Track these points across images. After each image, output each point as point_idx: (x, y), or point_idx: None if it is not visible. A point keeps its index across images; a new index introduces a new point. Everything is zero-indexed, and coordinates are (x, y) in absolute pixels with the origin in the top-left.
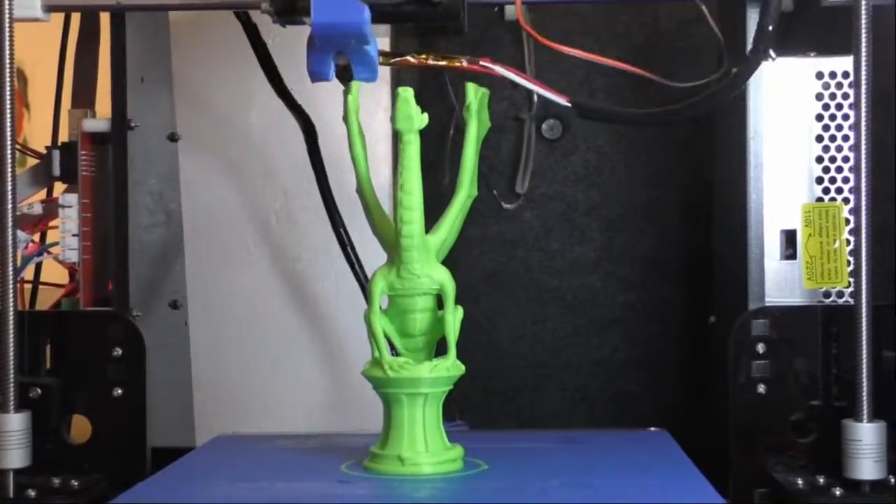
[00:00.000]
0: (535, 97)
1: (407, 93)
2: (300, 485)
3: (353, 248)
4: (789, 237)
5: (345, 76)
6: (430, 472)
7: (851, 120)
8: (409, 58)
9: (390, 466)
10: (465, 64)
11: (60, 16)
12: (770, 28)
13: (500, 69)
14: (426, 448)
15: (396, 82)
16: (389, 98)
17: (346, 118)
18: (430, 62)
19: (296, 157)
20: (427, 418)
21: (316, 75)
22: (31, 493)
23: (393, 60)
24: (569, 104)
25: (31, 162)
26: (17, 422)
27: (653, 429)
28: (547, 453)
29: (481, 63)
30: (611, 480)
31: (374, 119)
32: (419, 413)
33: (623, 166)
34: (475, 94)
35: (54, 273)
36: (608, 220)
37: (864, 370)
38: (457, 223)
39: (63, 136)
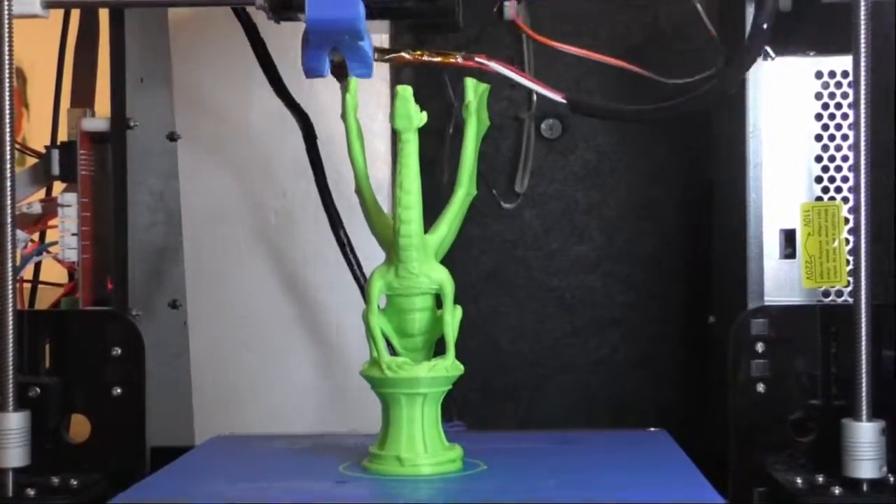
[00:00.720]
0: (535, 96)
1: (406, 91)
2: (298, 485)
3: (351, 248)
4: (788, 236)
5: (340, 72)
6: (428, 473)
7: (851, 119)
8: (403, 54)
9: (389, 467)
10: (460, 60)
11: (59, 15)
12: (765, 26)
13: (495, 65)
14: (425, 448)
15: (395, 81)
16: (388, 96)
17: (344, 117)
18: (426, 58)
19: (295, 157)
20: (426, 418)
21: (311, 71)
22: (31, 492)
23: (388, 56)
24: (563, 101)
25: (31, 161)
26: (16, 421)
27: (652, 429)
28: (546, 453)
29: (476, 60)
30: (610, 481)
31: (372, 118)
32: (418, 413)
33: (623, 166)
34: (474, 92)
35: (53, 272)
36: (608, 219)
37: (864, 369)
38: (456, 222)
39: (62, 136)
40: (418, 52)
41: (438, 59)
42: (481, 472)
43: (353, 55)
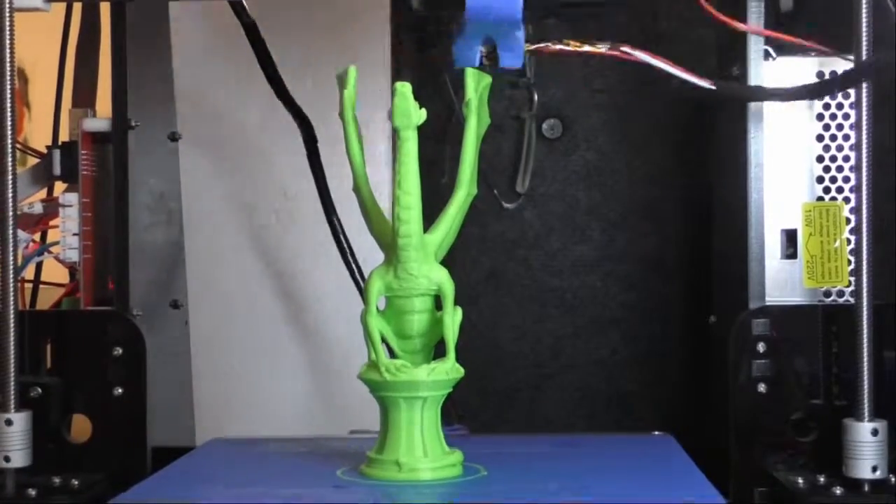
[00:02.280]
0: (535, 96)
1: (404, 88)
2: (295, 490)
3: (352, 253)
4: (790, 236)
5: (488, 63)
6: (428, 478)
7: (852, 119)
8: (548, 44)
9: (388, 472)
10: (604, 50)
11: (61, 14)
12: None
13: (641, 55)
14: (424, 453)
15: (395, 79)
16: (390, 97)
17: (342, 113)
18: (571, 48)
19: (296, 157)
20: (425, 422)
21: (462, 61)
22: (32, 492)
23: (533, 47)
24: (713, 87)
25: (32, 161)
26: (17, 421)
27: (657, 433)
28: (547, 458)
29: (622, 49)
30: (611, 486)
31: (374, 119)
32: (417, 417)
33: (623, 166)
34: (475, 84)
35: (55, 272)
36: (608, 219)
37: (865, 369)
38: (456, 222)
39: (63, 136)
40: (565, 42)
41: (585, 48)
42: (481, 477)
43: (507, 44)
